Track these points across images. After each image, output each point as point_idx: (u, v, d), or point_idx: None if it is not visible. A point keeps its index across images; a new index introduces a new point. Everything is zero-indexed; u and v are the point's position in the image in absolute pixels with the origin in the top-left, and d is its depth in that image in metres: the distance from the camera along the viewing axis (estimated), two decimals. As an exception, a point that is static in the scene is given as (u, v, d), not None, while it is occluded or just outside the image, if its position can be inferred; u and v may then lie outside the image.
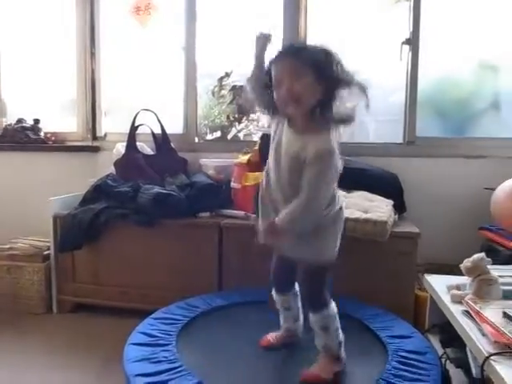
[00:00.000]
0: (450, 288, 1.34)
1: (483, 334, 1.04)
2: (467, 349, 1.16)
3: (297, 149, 1.15)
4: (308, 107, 1.13)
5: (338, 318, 1.27)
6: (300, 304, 1.40)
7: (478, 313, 1.12)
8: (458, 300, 1.26)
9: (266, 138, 1.79)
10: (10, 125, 2.63)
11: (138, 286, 2.00)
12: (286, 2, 2.33)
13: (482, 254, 1.28)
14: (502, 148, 2.18)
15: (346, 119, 1.15)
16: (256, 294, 1.69)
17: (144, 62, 2.55)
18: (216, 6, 2.45)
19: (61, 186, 2.30)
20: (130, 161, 2.26)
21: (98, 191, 2.11)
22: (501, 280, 1.28)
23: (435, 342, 1.46)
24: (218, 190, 2.09)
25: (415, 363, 1.29)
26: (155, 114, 2.37)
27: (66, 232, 2.03)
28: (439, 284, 1.43)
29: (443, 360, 1.32)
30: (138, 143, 2.33)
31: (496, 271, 1.32)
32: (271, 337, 1.44)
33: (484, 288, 1.23)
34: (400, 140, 2.31)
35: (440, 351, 1.38)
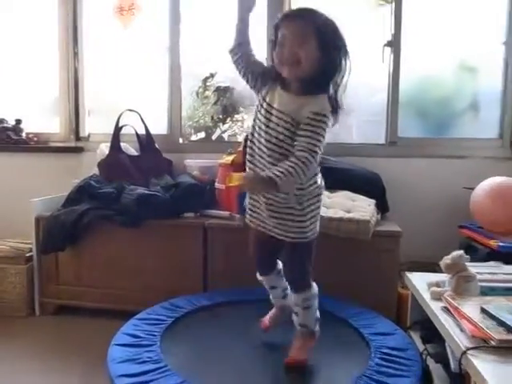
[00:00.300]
0: (430, 285, 1.37)
1: (461, 330, 1.06)
2: (446, 344, 1.19)
3: (292, 109, 1.16)
4: (306, 72, 1.15)
5: (317, 297, 1.33)
6: (285, 281, 1.41)
7: (456, 309, 1.14)
8: (437, 297, 1.29)
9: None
10: (-10, 125, 2.59)
11: (122, 287, 1.99)
12: (270, 4, 2.35)
13: (461, 252, 1.31)
14: (480, 148, 2.23)
15: (337, 103, 1.18)
16: (241, 294, 1.70)
17: (128, 62, 2.53)
18: (200, 6, 2.45)
19: (43, 187, 2.27)
20: (114, 161, 2.25)
21: (82, 192, 2.09)
22: (479, 277, 1.31)
23: (417, 338, 1.49)
24: (202, 191, 2.09)
25: (397, 359, 1.31)
26: (139, 115, 2.36)
27: (49, 233, 2.00)
28: (420, 281, 1.46)
29: (424, 356, 1.35)
30: (122, 144, 2.32)
31: (474, 268, 1.36)
32: (267, 319, 1.48)
33: (462, 285, 1.25)
34: (382, 140, 2.34)
35: (421, 347, 1.41)
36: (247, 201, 1.33)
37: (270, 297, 1.48)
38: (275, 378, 1.29)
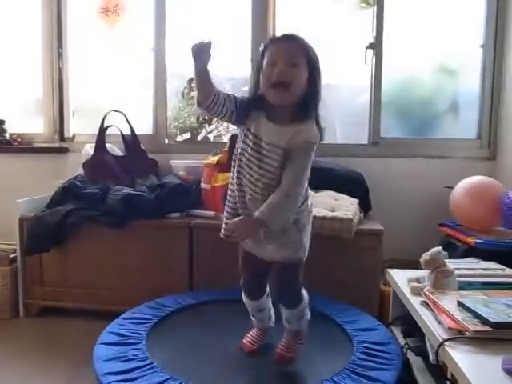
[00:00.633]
0: (410, 281, 1.40)
1: (439, 323, 1.10)
2: (426, 337, 1.22)
3: (283, 141, 1.13)
4: (295, 97, 1.13)
5: (307, 301, 1.32)
6: (271, 303, 1.42)
7: (434, 303, 1.18)
8: (417, 292, 1.32)
9: (235, 139, 1.82)
10: (-27, 126, 2.56)
11: (108, 287, 1.98)
12: (254, 5, 2.37)
13: (439, 248, 1.34)
14: (460, 149, 2.29)
15: (321, 128, 1.18)
16: (226, 294, 1.71)
17: (113, 62, 2.53)
18: (185, 6, 2.47)
19: (28, 187, 2.26)
20: (99, 162, 2.25)
21: (66, 193, 2.08)
22: (457, 272, 1.35)
23: (398, 333, 1.53)
24: (188, 191, 2.10)
25: (378, 353, 1.35)
26: (124, 115, 2.36)
27: (33, 234, 1.99)
28: (401, 278, 1.49)
29: (405, 349, 1.39)
30: (107, 144, 2.31)
31: (453, 264, 1.40)
32: (249, 341, 1.42)
33: (441, 280, 1.29)
34: (365, 141, 2.39)
35: (402, 341, 1.45)
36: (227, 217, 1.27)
37: (253, 319, 1.43)
38: (260, 375, 1.31)
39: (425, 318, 1.15)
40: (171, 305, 1.70)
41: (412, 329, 1.39)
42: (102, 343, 1.37)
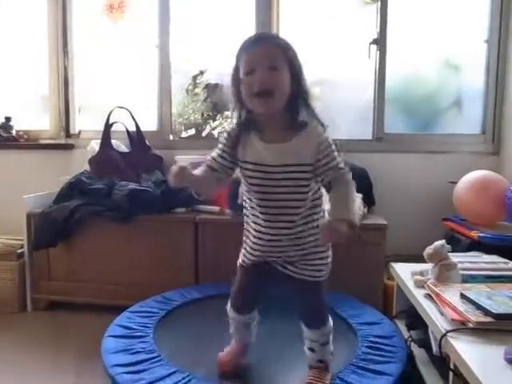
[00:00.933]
0: (413, 274, 1.42)
1: (442, 314, 1.11)
2: (429, 329, 1.24)
3: (296, 155, 1.05)
4: (281, 101, 1.04)
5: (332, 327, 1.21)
6: (256, 322, 1.29)
7: (438, 295, 1.19)
8: (420, 285, 1.34)
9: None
10: (-21, 123, 2.59)
11: (114, 282, 2.01)
12: (258, 2, 2.38)
13: (443, 241, 1.35)
14: (464, 144, 2.29)
15: (320, 119, 1.11)
16: (231, 287, 1.72)
17: (118, 59, 2.55)
18: (190, 3, 2.48)
19: (34, 184, 2.29)
20: (105, 158, 2.27)
21: (73, 188, 2.11)
22: (460, 266, 1.36)
23: (402, 326, 1.54)
24: (193, 186, 2.12)
25: (383, 347, 1.37)
26: (129, 112, 2.38)
27: (41, 230, 2.02)
28: (404, 271, 1.51)
29: (408, 342, 1.40)
30: (112, 141, 2.33)
31: (456, 258, 1.41)
32: (227, 357, 1.28)
33: (444, 273, 1.30)
34: (369, 136, 2.39)
35: (406, 334, 1.47)
36: (251, 240, 1.18)
37: (232, 330, 1.29)
38: (266, 367, 1.32)
39: (428, 310, 1.17)
40: (177, 298, 1.72)
41: (416, 322, 1.40)
42: (110, 336, 1.40)
